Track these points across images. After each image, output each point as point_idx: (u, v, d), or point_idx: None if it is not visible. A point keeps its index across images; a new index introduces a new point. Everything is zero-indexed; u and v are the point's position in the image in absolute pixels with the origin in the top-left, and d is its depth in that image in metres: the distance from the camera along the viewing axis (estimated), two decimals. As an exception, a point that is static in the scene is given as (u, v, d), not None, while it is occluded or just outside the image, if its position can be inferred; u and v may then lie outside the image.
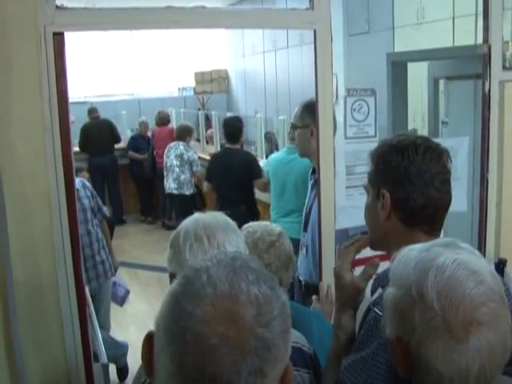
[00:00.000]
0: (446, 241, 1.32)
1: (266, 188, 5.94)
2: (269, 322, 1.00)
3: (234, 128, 6.50)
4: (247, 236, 2.36)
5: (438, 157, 1.77)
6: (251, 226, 2.46)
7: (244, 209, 6.02)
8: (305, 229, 3.41)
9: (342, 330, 1.82)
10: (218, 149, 9.18)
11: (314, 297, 2.76)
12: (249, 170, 6.21)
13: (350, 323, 1.82)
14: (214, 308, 0.97)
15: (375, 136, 2.87)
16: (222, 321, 0.96)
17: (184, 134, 8.47)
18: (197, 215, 1.84)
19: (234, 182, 6.13)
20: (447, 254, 1.22)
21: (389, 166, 1.79)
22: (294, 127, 3.52)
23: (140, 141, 10.64)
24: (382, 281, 1.83)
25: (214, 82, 14.45)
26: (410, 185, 1.74)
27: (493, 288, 1.19)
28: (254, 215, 6.06)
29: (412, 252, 1.29)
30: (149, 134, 10.78)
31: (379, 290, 1.81)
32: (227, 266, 1.03)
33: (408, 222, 1.76)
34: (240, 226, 5.09)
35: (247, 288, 1.00)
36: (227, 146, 6.56)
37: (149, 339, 1.05)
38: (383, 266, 1.97)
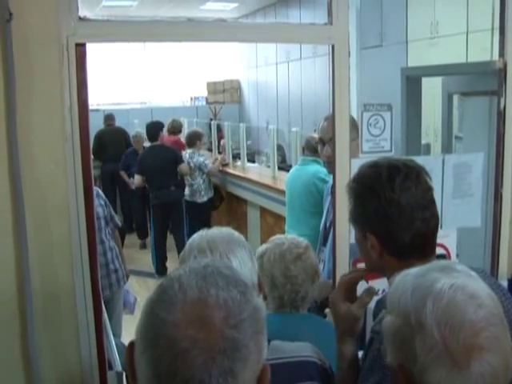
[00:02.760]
0: (442, 264, 1.31)
1: (187, 171, 8.21)
2: (238, 323, 1.03)
3: (154, 129, 8.45)
4: (274, 247, 2.39)
5: (416, 181, 1.74)
6: (278, 238, 2.49)
7: (173, 189, 8.13)
8: (324, 244, 3.39)
9: (343, 359, 1.82)
10: (230, 159, 9.24)
11: (327, 310, 2.77)
12: (173, 159, 8.13)
13: (350, 352, 1.82)
14: (183, 313, 1.02)
15: (391, 151, 2.88)
16: (192, 324, 1.01)
17: (193, 139, 8.46)
18: (203, 231, 1.88)
19: (163, 169, 8.04)
20: (444, 279, 1.21)
21: (367, 210, 1.76)
22: (323, 142, 3.37)
23: (132, 158, 9.52)
24: (385, 303, 1.83)
25: (226, 93, 14.51)
26: (393, 225, 1.71)
27: (492, 311, 1.18)
28: (182, 193, 8.25)
29: (408, 278, 1.28)
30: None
31: (383, 312, 1.80)
32: (198, 273, 1.08)
33: (401, 256, 1.73)
34: (174, 201, 7.57)
35: (216, 293, 1.04)
36: (149, 144, 8.51)
37: (130, 348, 1.10)
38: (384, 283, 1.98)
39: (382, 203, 1.71)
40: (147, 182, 8.28)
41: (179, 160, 8.24)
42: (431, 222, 1.76)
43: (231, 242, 1.82)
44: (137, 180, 8.42)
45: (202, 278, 1.07)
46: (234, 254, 1.78)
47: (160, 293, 1.07)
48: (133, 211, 9.94)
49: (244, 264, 1.77)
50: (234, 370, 1.01)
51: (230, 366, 1.01)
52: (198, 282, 1.05)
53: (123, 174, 9.63)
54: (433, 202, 1.78)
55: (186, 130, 11.48)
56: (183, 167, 8.22)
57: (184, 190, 8.38)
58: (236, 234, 1.88)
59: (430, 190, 1.78)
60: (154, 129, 8.49)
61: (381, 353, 1.59)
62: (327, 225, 3.40)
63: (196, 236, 1.86)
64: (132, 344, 1.09)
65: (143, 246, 9.74)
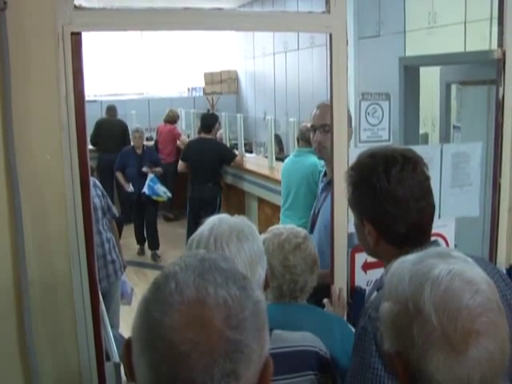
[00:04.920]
0: (439, 250, 1.32)
1: (241, 164, 8.30)
2: (239, 323, 1.00)
3: (209, 121, 8.27)
4: (273, 237, 2.38)
5: (412, 172, 1.77)
6: (277, 227, 2.48)
7: (210, 185, 7.98)
8: (311, 231, 3.39)
9: None
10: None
11: (325, 300, 2.77)
12: (221, 156, 8.06)
13: None
14: (181, 315, 0.98)
15: (389, 140, 2.87)
16: (191, 327, 0.97)
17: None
18: (214, 221, 1.83)
19: (204, 164, 7.91)
20: (441, 266, 1.21)
21: (364, 200, 1.80)
22: (314, 129, 3.41)
23: (130, 156, 8.78)
24: (378, 284, 1.86)
25: (223, 83, 14.48)
26: (389, 216, 1.76)
27: (489, 297, 1.18)
28: (218, 189, 8.19)
29: (405, 265, 1.28)
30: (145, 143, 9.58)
31: (374, 294, 1.83)
32: (195, 269, 1.04)
33: (397, 244, 1.77)
34: (208, 198, 7.29)
35: (215, 291, 1.00)
36: (202, 135, 8.29)
37: (127, 345, 1.07)
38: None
39: (378, 195, 1.75)
40: (189, 171, 8.17)
41: (229, 157, 8.19)
42: (426, 212, 1.79)
43: (241, 238, 1.78)
44: (180, 166, 8.31)
45: (200, 275, 1.02)
46: (243, 250, 1.75)
47: (155, 291, 1.04)
48: (132, 218, 8.94)
49: (250, 265, 1.74)
50: (237, 372, 0.99)
51: (232, 368, 0.98)
52: (196, 280, 1.01)
53: (119, 175, 8.80)
54: (429, 192, 1.81)
55: (183, 121, 11.55)
56: (236, 162, 8.24)
57: (221, 187, 8.30)
58: (247, 228, 1.83)
59: (426, 180, 1.81)
60: (209, 120, 8.31)
61: (365, 330, 1.64)
62: (315, 211, 3.41)
63: (205, 228, 1.81)
64: (129, 342, 1.06)
65: (141, 253, 8.93)
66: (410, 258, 1.30)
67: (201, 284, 1.01)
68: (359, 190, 1.81)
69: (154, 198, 8.67)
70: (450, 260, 1.24)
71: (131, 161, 8.71)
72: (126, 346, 1.07)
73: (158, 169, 8.82)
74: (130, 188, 8.61)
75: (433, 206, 1.81)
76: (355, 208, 1.86)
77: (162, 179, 8.92)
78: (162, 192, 8.71)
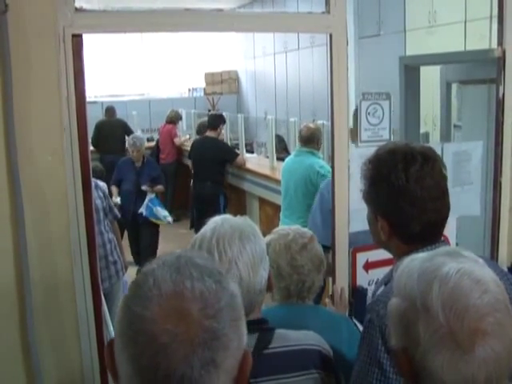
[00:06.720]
0: (449, 249, 1.32)
1: (242, 164, 8.20)
2: (216, 313, 1.03)
3: (215, 120, 8.29)
4: (279, 238, 2.38)
5: (431, 172, 1.76)
6: (283, 228, 2.49)
7: (210, 184, 7.84)
8: None
9: None
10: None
11: (327, 299, 2.77)
12: (223, 155, 8.03)
13: None
14: (160, 308, 1.01)
15: (390, 139, 2.87)
16: (170, 318, 1.00)
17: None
18: (217, 221, 1.81)
19: (205, 162, 7.90)
20: (450, 264, 1.21)
21: (381, 197, 1.80)
22: None
23: (127, 170, 7.57)
24: (386, 278, 1.86)
25: (224, 83, 14.47)
26: (405, 215, 1.75)
27: (497, 297, 1.18)
28: (220, 189, 7.98)
29: (415, 262, 1.28)
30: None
31: (382, 288, 1.83)
32: (172, 266, 1.07)
33: (409, 242, 1.78)
34: (208, 196, 7.17)
35: (191, 284, 1.04)
36: (207, 133, 8.17)
37: (109, 346, 1.09)
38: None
39: (396, 193, 1.75)
40: (193, 169, 8.25)
41: (231, 156, 8.16)
42: (442, 212, 1.79)
43: (243, 238, 1.76)
44: (190, 164, 8.47)
45: (176, 270, 1.06)
46: (246, 251, 1.74)
47: (134, 288, 1.07)
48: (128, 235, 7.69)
49: (252, 267, 1.73)
50: (216, 360, 1.02)
51: (211, 357, 1.01)
52: (173, 275, 1.05)
53: (114, 189, 7.48)
54: (445, 192, 1.81)
55: (184, 121, 11.55)
56: (237, 162, 8.18)
57: (223, 187, 8.16)
58: (249, 228, 1.81)
59: (443, 180, 1.80)
60: (215, 120, 8.34)
61: (368, 329, 1.65)
62: None
63: (208, 229, 1.79)
64: (111, 343, 1.09)
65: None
66: (420, 256, 1.30)
67: (178, 278, 1.04)
68: (376, 185, 1.81)
69: (153, 220, 7.58)
70: (459, 259, 1.24)
71: (128, 175, 7.54)
72: (108, 346, 1.09)
73: (159, 187, 7.69)
74: (117, 200, 7.30)
75: (448, 207, 1.81)
76: (370, 203, 1.85)
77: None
78: (162, 216, 7.60)
